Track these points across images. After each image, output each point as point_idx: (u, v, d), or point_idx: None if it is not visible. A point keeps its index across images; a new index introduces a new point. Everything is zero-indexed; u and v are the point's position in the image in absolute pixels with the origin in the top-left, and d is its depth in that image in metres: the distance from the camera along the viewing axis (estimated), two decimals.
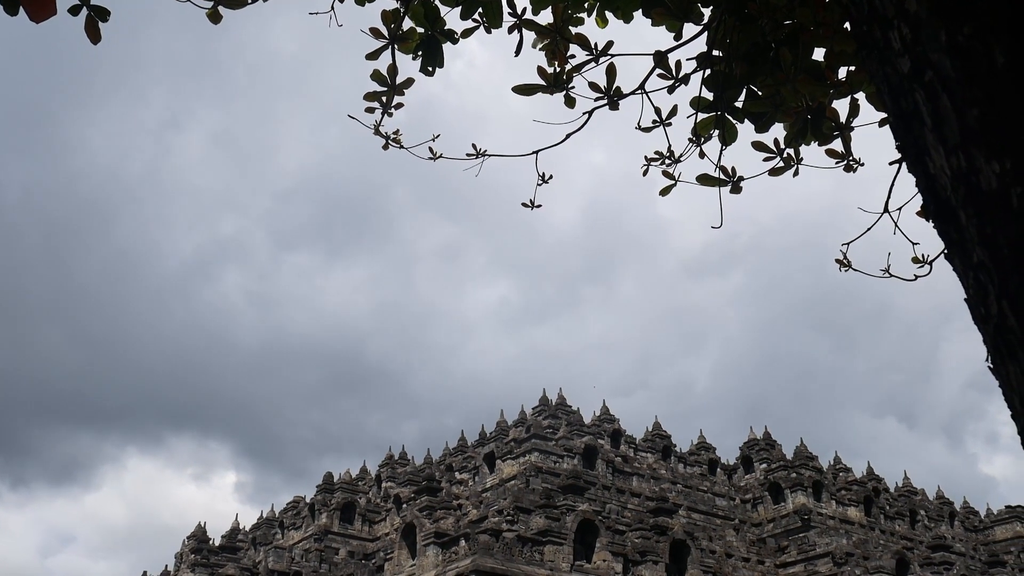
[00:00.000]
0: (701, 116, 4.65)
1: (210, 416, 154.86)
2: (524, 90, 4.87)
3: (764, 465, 48.54)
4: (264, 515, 53.68)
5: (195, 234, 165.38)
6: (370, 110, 4.88)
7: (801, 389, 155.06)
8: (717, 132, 4.69)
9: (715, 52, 4.38)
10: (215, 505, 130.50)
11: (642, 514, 33.53)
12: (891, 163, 3.57)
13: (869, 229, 3.85)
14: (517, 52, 4.72)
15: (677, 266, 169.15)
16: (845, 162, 4.87)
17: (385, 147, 5.32)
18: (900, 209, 4.33)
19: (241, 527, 50.61)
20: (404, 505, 41.76)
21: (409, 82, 4.82)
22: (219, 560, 37.62)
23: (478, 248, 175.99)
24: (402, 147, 5.33)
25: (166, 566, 47.01)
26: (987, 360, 1.27)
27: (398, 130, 5.21)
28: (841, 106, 4.64)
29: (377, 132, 5.06)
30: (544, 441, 41.10)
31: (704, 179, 5.07)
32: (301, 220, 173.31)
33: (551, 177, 5.53)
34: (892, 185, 3.58)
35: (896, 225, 4.03)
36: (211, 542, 41.57)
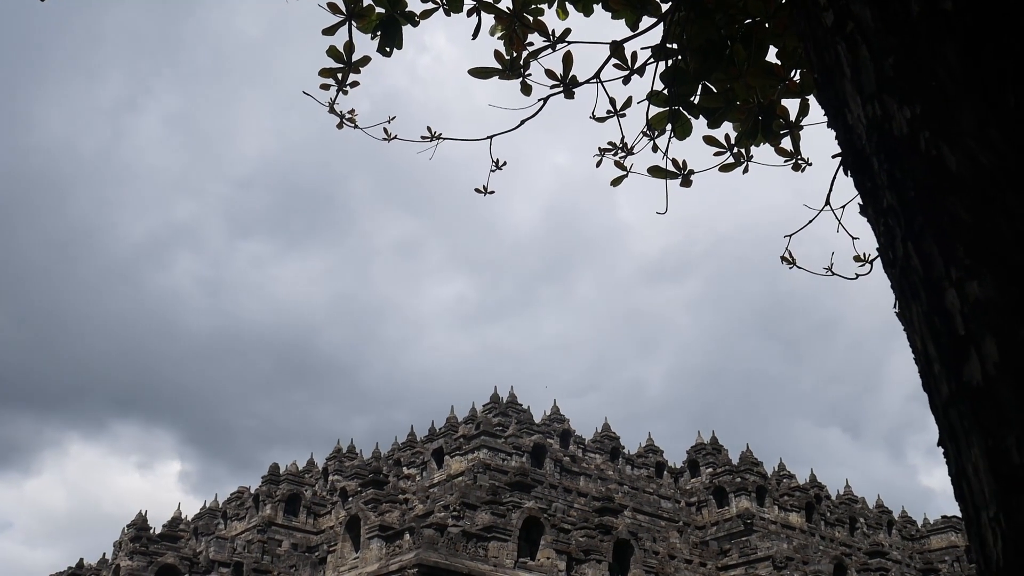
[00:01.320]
0: (655, 110, 4.71)
1: (156, 403, 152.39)
2: (480, 73, 4.87)
3: (710, 469, 49.10)
4: (207, 505, 52.97)
5: (148, 217, 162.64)
6: (325, 87, 4.85)
7: (749, 396, 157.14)
8: (670, 127, 4.75)
9: (671, 45, 4.43)
10: (158, 494, 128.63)
11: (588, 513, 33.71)
12: (834, 156, 3.64)
13: (811, 221, 3.92)
14: (475, 35, 4.72)
15: (634, 271, 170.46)
16: (794, 161, 4.97)
17: (339, 126, 5.29)
18: (844, 207, 4.41)
19: (183, 516, 49.85)
20: (350, 498, 41.49)
21: (365, 60, 4.80)
22: (159, 548, 37.03)
23: (436, 244, 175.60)
24: (356, 127, 5.30)
25: (104, 554, 46.19)
26: (894, 307, 1.31)
27: (353, 109, 5.18)
28: (792, 107, 4.74)
29: (332, 110, 5.03)
30: (493, 438, 41.12)
31: (655, 171, 5.13)
32: (258, 208, 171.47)
33: (504, 163, 5.54)
34: (834, 178, 3.65)
35: (839, 221, 4.11)
36: (152, 531, 40.87)
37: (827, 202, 3.89)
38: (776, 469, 51.31)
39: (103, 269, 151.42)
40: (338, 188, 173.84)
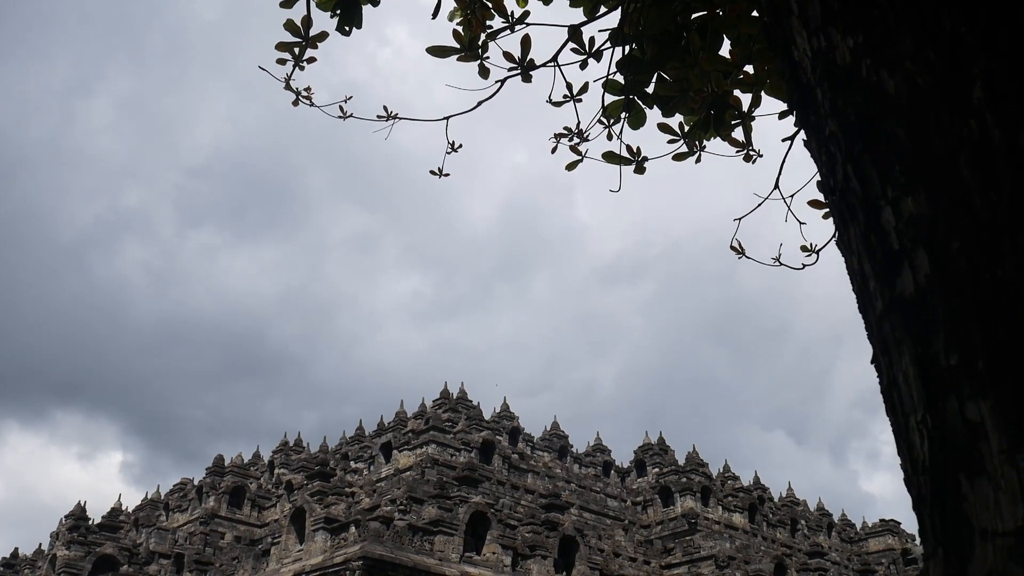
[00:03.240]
0: (610, 98, 4.75)
1: (100, 392, 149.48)
2: (438, 52, 4.86)
3: (656, 469, 49.59)
4: (149, 496, 52.02)
5: (96, 203, 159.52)
6: (281, 61, 4.81)
7: (698, 399, 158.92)
8: (626, 116, 4.80)
9: (628, 31, 4.47)
10: (98, 486, 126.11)
11: (534, 510, 33.82)
12: (784, 139, 3.71)
13: (760, 204, 3.99)
14: (435, 15, 4.71)
15: (590, 272, 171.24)
16: (745, 151, 5.05)
17: (295, 103, 5.25)
18: (792, 196, 4.48)
19: (124, 508, 48.89)
20: (296, 491, 41.09)
21: (322, 35, 4.77)
22: (97, 538, 36.30)
23: (393, 240, 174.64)
24: (313, 104, 5.27)
25: (40, 544, 45.17)
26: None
27: (309, 87, 5.15)
28: (745, 100, 4.81)
29: (288, 87, 4.99)
30: (442, 434, 41.05)
31: (609, 156, 5.18)
32: (211, 197, 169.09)
33: (460, 146, 5.54)
34: (784, 160, 3.72)
35: (788, 207, 4.18)
36: (90, 521, 40.03)
37: (776, 185, 3.97)
38: (721, 470, 51.96)
39: (49, 254, 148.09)
40: (294, 180, 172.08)
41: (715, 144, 5.46)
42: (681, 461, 49.40)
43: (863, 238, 1.23)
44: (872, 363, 1.27)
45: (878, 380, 1.24)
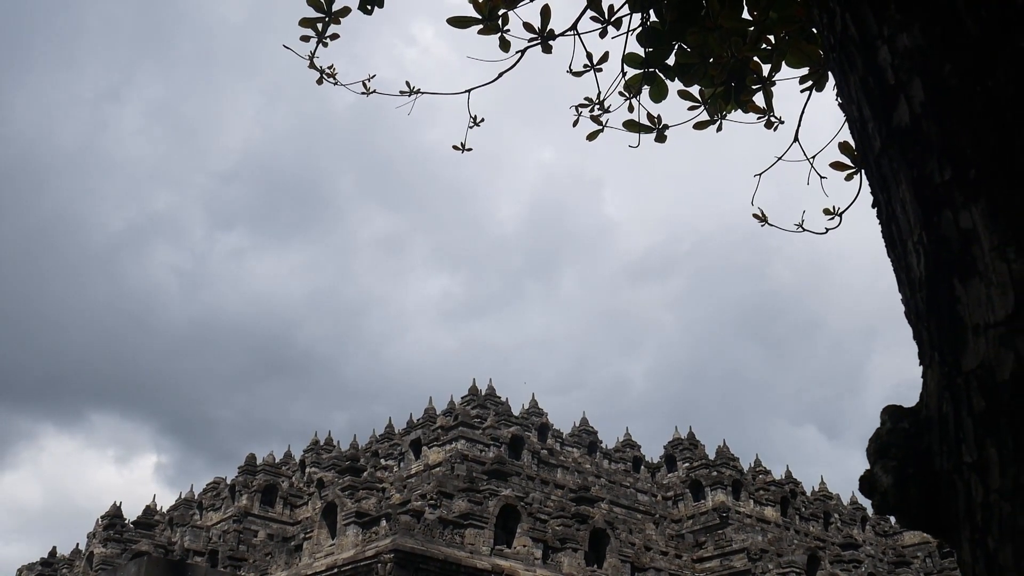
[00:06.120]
0: (631, 72, 4.79)
1: (134, 394, 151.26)
2: (459, 22, 4.92)
3: (686, 464, 49.39)
4: (183, 496, 52.63)
5: (127, 208, 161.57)
6: (305, 38, 4.89)
7: (728, 395, 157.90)
8: (648, 88, 4.83)
9: None
10: (133, 489, 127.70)
11: (564, 503, 33.84)
12: (803, 90, 3.73)
13: (780, 158, 4.01)
14: None
15: (619, 269, 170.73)
16: (766, 118, 5.06)
17: (319, 81, 5.33)
18: (814, 157, 4.49)
19: (158, 507, 49.52)
20: (327, 489, 41.38)
21: (345, 11, 4.85)
22: (133, 536, 36.81)
23: (421, 240, 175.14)
24: (337, 83, 5.36)
25: (76, 544, 45.87)
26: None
27: (332, 65, 5.23)
28: (765, 68, 4.83)
29: (312, 65, 5.08)
30: (471, 429, 41.18)
31: (630, 125, 5.21)
32: (240, 201, 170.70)
33: (483, 120, 5.59)
34: (803, 110, 3.73)
35: (811, 164, 4.20)
36: (126, 521, 40.61)
37: (796, 139, 3.98)
38: (752, 464, 51.63)
39: (81, 259, 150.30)
40: (322, 182, 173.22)
41: (736, 116, 5.46)
42: (711, 456, 49.16)
43: (862, 83, 1.27)
44: (873, 206, 1.31)
45: (879, 222, 1.28)
